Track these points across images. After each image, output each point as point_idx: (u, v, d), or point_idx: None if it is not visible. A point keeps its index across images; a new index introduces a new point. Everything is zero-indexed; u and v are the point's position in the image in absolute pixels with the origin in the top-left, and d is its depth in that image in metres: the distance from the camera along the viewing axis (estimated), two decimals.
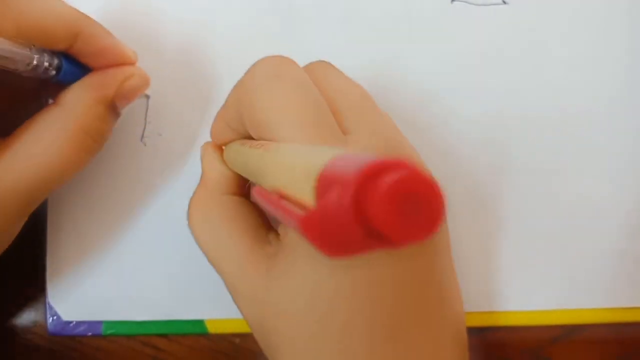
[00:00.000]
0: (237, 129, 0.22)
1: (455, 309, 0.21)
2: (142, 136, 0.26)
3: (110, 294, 0.26)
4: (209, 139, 0.25)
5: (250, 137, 0.21)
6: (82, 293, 0.26)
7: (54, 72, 0.22)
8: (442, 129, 0.26)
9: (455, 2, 0.26)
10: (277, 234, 0.21)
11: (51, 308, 0.25)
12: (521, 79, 0.26)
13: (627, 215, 0.26)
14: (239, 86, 0.21)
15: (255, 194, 0.17)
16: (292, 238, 0.19)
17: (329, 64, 0.23)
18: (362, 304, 0.18)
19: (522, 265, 0.26)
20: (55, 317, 0.25)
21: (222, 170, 0.23)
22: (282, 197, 0.14)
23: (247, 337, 0.26)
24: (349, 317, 0.18)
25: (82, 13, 0.22)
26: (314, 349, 0.19)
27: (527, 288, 0.26)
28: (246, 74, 0.21)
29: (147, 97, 0.26)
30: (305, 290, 0.19)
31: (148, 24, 0.26)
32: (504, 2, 0.26)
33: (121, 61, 0.23)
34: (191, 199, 0.23)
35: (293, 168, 0.14)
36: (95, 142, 0.22)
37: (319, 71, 0.22)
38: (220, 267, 0.21)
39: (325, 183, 0.12)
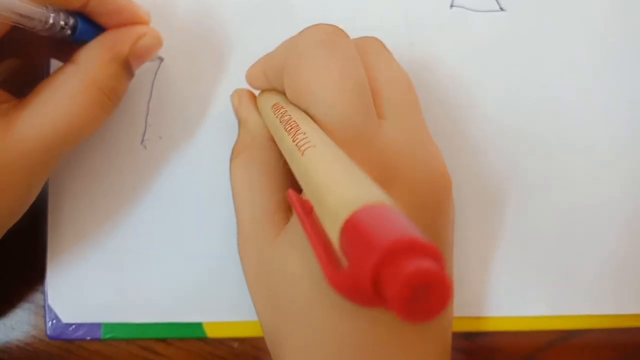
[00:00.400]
0: (274, 82, 0.22)
1: (444, 327, 0.21)
2: (143, 139, 0.26)
3: (109, 296, 0.26)
4: (211, 144, 0.26)
5: (283, 93, 0.21)
6: (81, 295, 0.26)
7: (69, 32, 0.22)
8: (438, 135, 0.26)
9: (453, 8, 0.27)
10: None
11: (51, 310, 0.25)
12: (519, 84, 0.27)
13: (624, 223, 0.26)
14: (289, 45, 0.21)
15: (289, 195, 0.17)
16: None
17: (380, 42, 0.23)
18: None
19: (516, 271, 0.26)
20: (54, 321, 0.25)
21: (259, 118, 0.23)
22: (311, 212, 0.16)
23: (245, 341, 0.26)
24: None
25: None
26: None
27: (519, 294, 0.26)
28: (299, 34, 0.21)
29: (161, 59, 0.27)
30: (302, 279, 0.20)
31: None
32: (502, 9, 0.27)
33: (135, 21, 0.23)
34: (235, 144, 0.24)
35: (323, 199, 0.15)
36: (110, 99, 0.23)
37: (371, 49, 0.22)
38: (242, 211, 0.22)
39: (350, 233, 0.13)
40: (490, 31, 0.27)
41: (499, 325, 0.26)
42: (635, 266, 0.26)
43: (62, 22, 0.21)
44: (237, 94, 0.25)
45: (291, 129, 0.18)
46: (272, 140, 0.22)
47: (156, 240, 0.26)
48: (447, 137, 0.26)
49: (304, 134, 0.18)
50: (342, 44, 0.20)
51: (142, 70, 0.26)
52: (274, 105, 0.21)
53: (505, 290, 0.26)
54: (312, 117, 0.20)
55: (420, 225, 0.13)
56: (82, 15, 0.23)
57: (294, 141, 0.18)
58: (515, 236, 0.26)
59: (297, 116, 0.19)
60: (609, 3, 0.27)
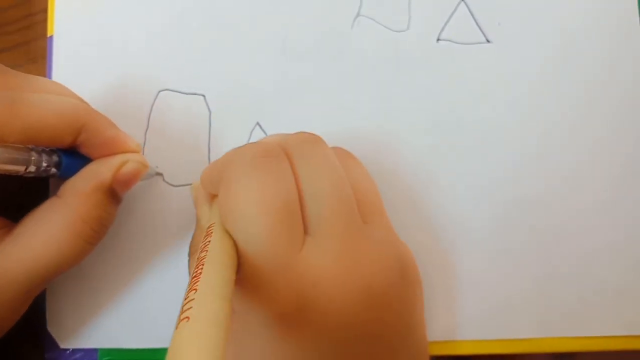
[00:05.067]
0: (210, 190, 0.22)
1: (419, 338, 0.22)
2: None
3: (106, 321, 0.26)
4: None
5: None
6: (78, 320, 0.26)
7: (54, 170, 0.22)
8: (427, 162, 0.27)
9: (440, 42, 0.28)
10: None
11: (49, 335, 0.26)
12: (504, 115, 0.27)
13: (602, 246, 0.26)
14: (226, 159, 0.22)
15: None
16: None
17: (348, 152, 0.23)
18: None
19: (488, 295, 0.26)
20: (52, 346, 0.26)
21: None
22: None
23: None
24: None
25: (86, 105, 0.23)
26: None
27: (488, 317, 0.26)
28: (238, 149, 0.22)
29: (159, 174, 0.27)
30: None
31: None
32: (488, 41, 0.28)
33: (123, 152, 0.24)
34: (191, 240, 0.24)
35: None
36: (95, 231, 0.23)
37: (346, 160, 0.22)
38: None
39: None
40: (476, 63, 0.27)
41: (465, 349, 0.26)
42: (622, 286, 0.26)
43: (44, 163, 0.22)
44: (195, 187, 0.25)
45: (194, 276, 0.17)
46: None
47: (153, 265, 0.27)
48: (433, 162, 0.27)
49: (194, 292, 0.16)
50: (275, 164, 0.20)
51: (139, 102, 0.27)
52: (209, 226, 0.20)
53: (475, 314, 0.26)
54: (234, 238, 0.19)
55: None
56: (66, 150, 0.23)
57: (185, 298, 0.16)
58: (485, 260, 0.26)
59: (211, 256, 0.18)
60: (594, 35, 0.27)
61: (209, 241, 0.19)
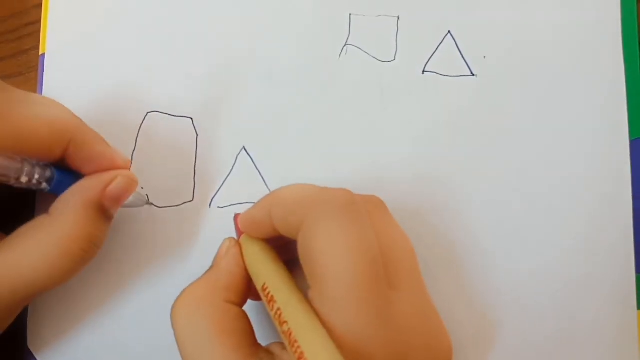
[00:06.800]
0: (281, 229, 0.21)
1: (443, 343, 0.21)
2: None
3: (88, 341, 0.26)
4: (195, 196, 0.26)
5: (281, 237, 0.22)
6: (60, 339, 0.26)
7: (45, 184, 0.22)
8: (411, 192, 0.27)
9: (426, 73, 0.28)
10: (267, 351, 0.21)
11: (30, 353, 0.26)
12: (486, 147, 0.27)
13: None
14: (309, 203, 0.21)
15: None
16: None
17: (382, 203, 0.23)
18: None
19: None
20: None
21: (238, 275, 0.22)
22: None
23: None
24: None
25: (76, 118, 0.23)
26: None
27: None
28: (321, 194, 0.21)
29: (150, 203, 0.27)
30: None
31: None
32: (473, 74, 0.28)
33: (112, 167, 0.24)
34: (188, 292, 0.22)
35: None
36: (84, 250, 0.22)
37: (374, 211, 0.22)
38: None
39: None
40: (461, 95, 0.28)
41: None
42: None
43: (37, 175, 0.22)
44: (227, 243, 0.23)
45: (278, 317, 0.19)
46: (236, 293, 0.22)
47: (135, 288, 0.27)
48: (418, 192, 0.27)
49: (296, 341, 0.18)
50: (360, 214, 0.20)
51: (127, 123, 0.28)
52: (262, 286, 0.21)
53: None
54: (322, 288, 0.19)
55: None
56: (59, 166, 0.23)
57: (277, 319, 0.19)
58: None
59: (289, 314, 0.19)
60: (579, 72, 0.28)
61: (275, 303, 0.20)
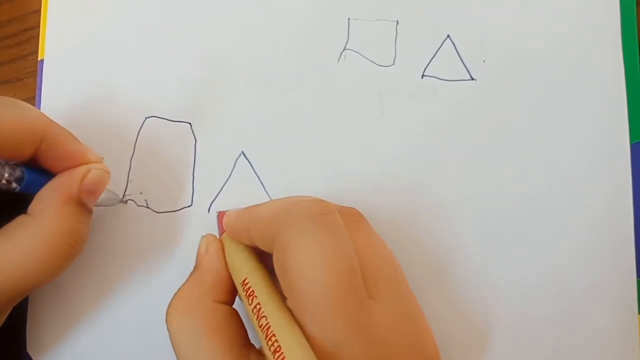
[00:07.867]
0: (259, 244, 0.22)
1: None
2: (124, 194, 0.27)
3: (87, 344, 0.26)
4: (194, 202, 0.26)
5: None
6: (59, 343, 0.26)
7: (15, 184, 0.22)
8: (410, 196, 0.27)
9: (425, 77, 0.28)
10: (258, 353, 0.21)
11: (29, 357, 0.26)
12: (486, 151, 0.27)
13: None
14: (282, 216, 0.21)
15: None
16: None
17: (360, 214, 0.23)
18: None
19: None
20: None
21: (222, 273, 0.22)
22: None
23: None
24: None
25: (46, 118, 0.23)
26: None
27: None
28: (292, 205, 0.21)
29: (124, 202, 0.27)
30: None
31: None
32: (472, 79, 0.28)
33: (84, 164, 0.23)
34: (177, 296, 0.22)
35: None
36: (70, 245, 0.22)
37: (352, 222, 0.22)
38: None
39: None
40: (460, 99, 0.28)
41: None
42: None
43: (6, 175, 0.22)
44: (205, 241, 0.24)
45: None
46: (222, 293, 0.22)
47: (134, 295, 0.27)
48: (413, 199, 0.27)
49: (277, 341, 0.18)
50: (332, 221, 0.20)
51: (126, 128, 0.28)
52: (242, 281, 0.21)
53: None
54: (298, 299, 0.19)
55: None
56: (29, 165, 0.23)
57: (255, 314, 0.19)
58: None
59: (268, 310, 0.19)
60: (579, 77, 0.28)
61: (255, 298, 0.20)
